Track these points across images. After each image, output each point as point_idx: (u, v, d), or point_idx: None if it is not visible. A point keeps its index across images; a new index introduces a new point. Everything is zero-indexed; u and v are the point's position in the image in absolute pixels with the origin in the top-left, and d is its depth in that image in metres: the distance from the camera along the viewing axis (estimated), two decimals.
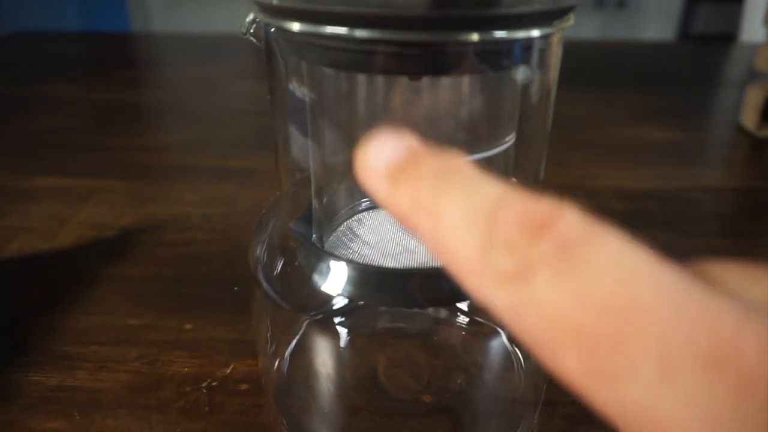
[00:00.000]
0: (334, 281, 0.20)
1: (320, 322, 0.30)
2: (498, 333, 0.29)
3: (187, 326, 0.31)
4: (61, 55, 0.92)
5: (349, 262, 0.20)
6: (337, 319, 0.30)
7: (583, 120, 0.63)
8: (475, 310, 0.29)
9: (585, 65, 0.83)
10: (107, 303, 0.33)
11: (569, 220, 0.10)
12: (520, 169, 0.22)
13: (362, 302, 0.20)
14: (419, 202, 0.11)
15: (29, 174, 0.48)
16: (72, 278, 0.35)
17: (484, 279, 0.10)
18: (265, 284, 0.22)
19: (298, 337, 0.29)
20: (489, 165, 0.21)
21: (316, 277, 0.20)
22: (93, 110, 0.68)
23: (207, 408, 0.26)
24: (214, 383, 0.27)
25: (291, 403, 0.26)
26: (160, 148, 0.57)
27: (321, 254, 0.20)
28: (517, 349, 0.27)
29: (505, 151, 0.21)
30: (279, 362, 0.27)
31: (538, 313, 0.09)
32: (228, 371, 0.28)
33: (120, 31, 1.35)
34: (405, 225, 0.12)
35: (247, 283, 0.33)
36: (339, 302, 0.28)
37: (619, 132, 0.60)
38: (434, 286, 0.19)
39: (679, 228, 0.41)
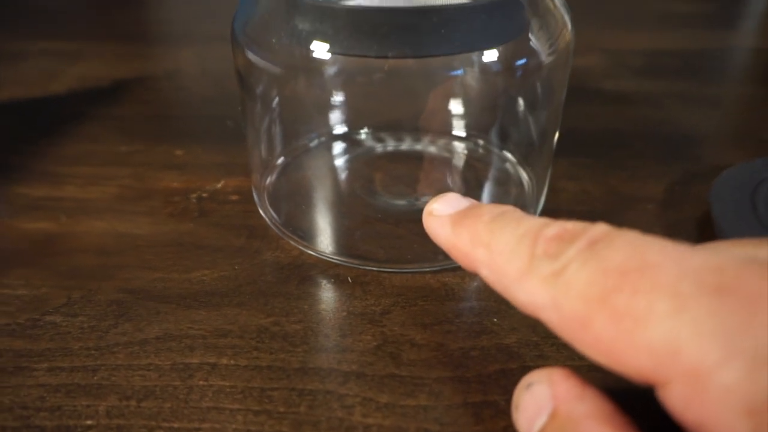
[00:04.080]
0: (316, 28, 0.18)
1: (317, 145, 0.28)
2: (502, 156, 0.27)
3: (178, 152, 0.29)
4: None
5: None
6: (335, 145, 0.29)
7: None
8: (476, 133, 0.27)
9: None
10: (98, 135, 0.31)
11: (596, 228, 0.12)
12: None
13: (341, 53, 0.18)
14: (477, 237, 0.13)
15: (19, 40, 0.47)
16: (63, 117, 0.33)
17: (531, 284, 0.12)
18: (240, 36, 0.20)
19: (294, 155, 0.27)
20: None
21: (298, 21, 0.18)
22: None
23: (196, 213, 0.25)
24: (204, 195, 0.26)
25: (285, 206, 0.25)
26: (158, 21, 0.54)
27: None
28: (522, 170, 0.26)
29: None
30: (273, 176, 0.26)
31: (572, 294, 0.11)
32: (219, 186, 0.27)
33: None
34: (463, 260, 0.14)
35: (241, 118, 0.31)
36: (338, 127, 0.27)
37: (642, 3, 0.56)
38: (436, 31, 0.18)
39: (697, 78, 0.39)
